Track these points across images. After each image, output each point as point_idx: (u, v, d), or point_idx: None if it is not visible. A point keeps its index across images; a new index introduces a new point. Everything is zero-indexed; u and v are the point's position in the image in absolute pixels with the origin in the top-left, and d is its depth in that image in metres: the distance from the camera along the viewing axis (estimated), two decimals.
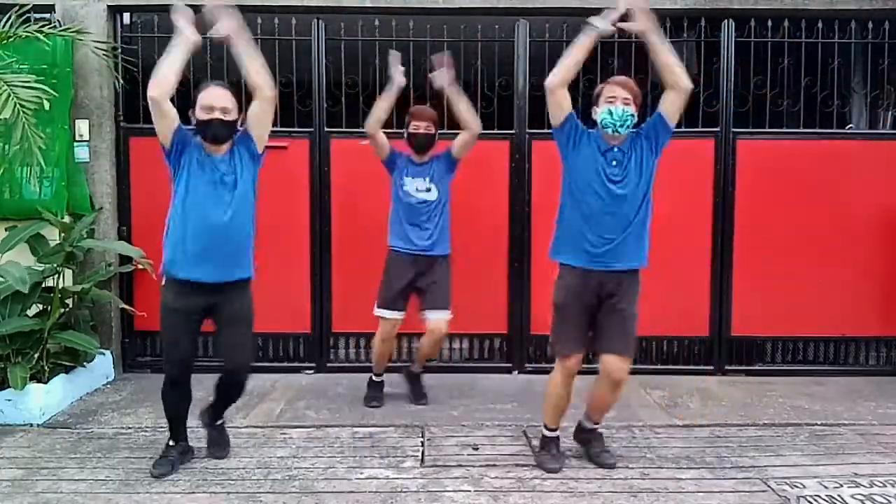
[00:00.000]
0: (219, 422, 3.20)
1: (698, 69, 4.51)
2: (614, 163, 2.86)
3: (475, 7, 4.43)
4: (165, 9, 4.41)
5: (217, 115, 2.76)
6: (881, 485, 2.87)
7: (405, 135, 3.79)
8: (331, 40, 4.51)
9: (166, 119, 2.79)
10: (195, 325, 2.92)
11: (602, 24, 2.87)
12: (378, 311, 3.79)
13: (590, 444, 3.14)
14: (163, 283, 2.92)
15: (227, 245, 2.80)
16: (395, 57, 3.76)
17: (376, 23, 4.44)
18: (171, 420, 3.04)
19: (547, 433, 3.12)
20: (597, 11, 4.46)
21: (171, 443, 3.04)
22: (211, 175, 2.79)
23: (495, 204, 4.53)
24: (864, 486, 2.86)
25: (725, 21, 4.46)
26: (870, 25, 4.45)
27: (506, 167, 4.52)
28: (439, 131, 3.79)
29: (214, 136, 2.79)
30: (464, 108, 3.68)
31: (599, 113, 2.86)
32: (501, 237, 4.55)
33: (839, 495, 2.78)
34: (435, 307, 3.75)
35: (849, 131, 4.68)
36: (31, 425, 3.58)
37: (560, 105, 2.92)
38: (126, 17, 4.54)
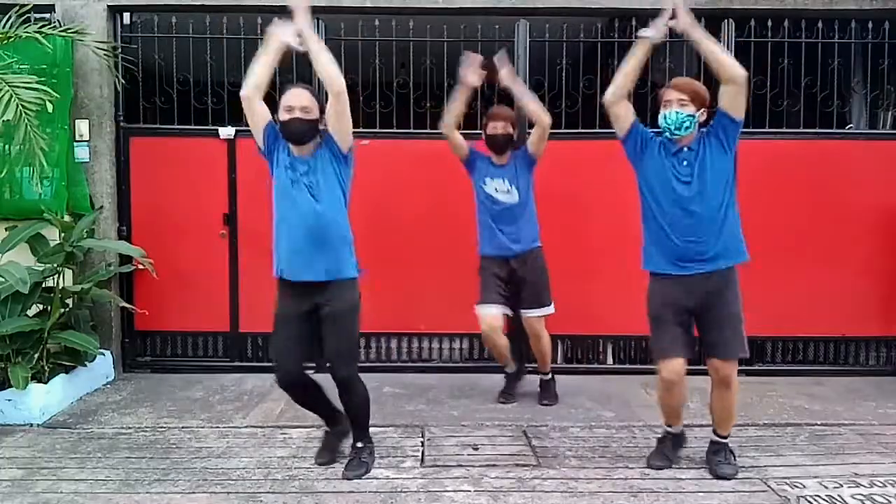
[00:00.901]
0: (358, 444, 3.04)
1: (699, 69, 4.50)
2: (685, 163, 2.85)
3: (475, 7, 4.43)
4: (165, 9, 4.46)
5: (297, 114, 2.76)
6: (881, 485, 2.87)
7: (483, 136, 3.78)
8: (331, 40, 4.49)
9: (256, 118, 2.85)
10: (297, 329, 2.90)
11: (653, 33, 2.89)
12: (477, 309, 3.79)
13: (711, 460, 3.05)
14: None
15: (313, 245, 2.79)
16: (469, 59, 3.69)
17: (376, 23, 4.44)
18: (313, 411, 3.11)
19: (667, 429, 3.13)
20: (596, 12, 4.52)
21: (326, 429, 3.13)
22: (291, 175, 2.81)
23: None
24: (864, 486, 2.86)
25: (725, 21, 4.46)
26: (870, 25, 4.45)
27: None
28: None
29: (294, 135, 2.80)
30: (530, 103, 3.67)
31: (659, 119, 2.87)
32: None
33: (839, 495, 2.78)
34: (527, 306, 3.79)
35: (849, 131, 4.68)
36: (31, 425, 3.58)
37: (619, 118, 2.94)
38: (126, 17, 4.54)
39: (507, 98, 4.06)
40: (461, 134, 3.80)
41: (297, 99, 2.78)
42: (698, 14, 4.39)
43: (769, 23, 4.45)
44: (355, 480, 2.90)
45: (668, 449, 3.09)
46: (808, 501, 2.73)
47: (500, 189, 3.73)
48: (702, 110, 2.85)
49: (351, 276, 2.90)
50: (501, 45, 4.51)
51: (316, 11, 4.42)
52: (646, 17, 4.42)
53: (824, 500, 2.75)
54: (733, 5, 4.43)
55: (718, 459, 3.01)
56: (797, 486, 2.85)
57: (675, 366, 2.90)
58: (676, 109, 2.80)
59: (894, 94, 4.72)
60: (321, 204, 2.81)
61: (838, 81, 4.51)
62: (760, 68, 4.47)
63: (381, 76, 4.50)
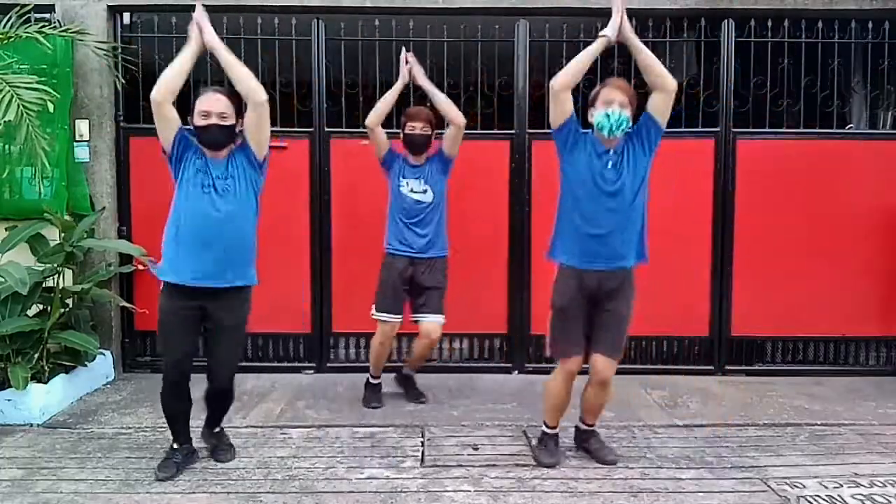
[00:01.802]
0: (216, 429, 3.17)
1: (698, 69, 4.51)
2: (609, 165, 2.87)
3: (475, 7, 4.43)
4: (165, 9, 4.45)
5: (214, 120, 2.75)
6: (881, 485, 2.87)
7: (401, 136, 3.78)
8: (331, 40, 4.51)
9: (167, 122, 2.81)
10: (192, 326, 2.90)
11: (611, 33, 2.90)
12: (376, 315, 3.79)
13: (589, 443, 3.17)
14: (161, 286, 2.91)
15: (218, 250, 2.78)
16: (405, 54, 3.78)
17: (376, 23, 4.44)
18: (172, 422, 3.02)
19: (546, 430, 3.16)
20: (596, 11, 4.51)
21: (174, 445, 3.02)
22: (204, 179, 2.78)
23: (495, 204, 4.53)
24: (864, 486, 2.86)
25: (725, 21, 4.46)
26: (870, 25, 4.45)
27: (506, 167, 4.52)
28: (437, 131, 3.79)
29: (211, 141, 2.79)
30: (442, 101, 3.69)
31: (596, 115, 2.87)
32: (501, 237, 4.55)
33: (839, 495, 2.78)
34: (428, 311, 3.77)
35: (849, 131, 4.67)
36: (31, 425, 3.58)
37: (563, 107, 2.93)
38: (126, 17, 4.54)
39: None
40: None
41: (214, 104, 2.76)
42: (698, 14, 4.46)
43: (769, 23, 4.45)
44: (355, 480, 2.90)
45: (553, 447, 3.13)
46: (808, 501, 2.73)
47: (416, 189, 3.73)
48: (632, 113, 2.88)
49: (250, 284, 2.92)
50: (501, 45, 4.53)
51: (316, 11, 4.46)
52: (646, 17, 4.46)
53: (824, 500, 2.75)
54: (733, 5, 4.43)
55: (597, 447, 3.12)
56: (797, 486, 2.85)
57: (578, 362, 2.97)
58: (619, 110, 2.81)
59: (894, 94, 4.71)
60: (235, 207, 2.80)
61: (838, 81, 4.51)
62: (760, 68, 4.48)
63: (381, 76, 4.49)
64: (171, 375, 2.93)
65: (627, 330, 2.99)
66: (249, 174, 2.86)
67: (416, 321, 3.83)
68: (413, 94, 4.28)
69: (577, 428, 3.23)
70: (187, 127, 2.87)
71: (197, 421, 3.15)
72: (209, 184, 2.78)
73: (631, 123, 2.87)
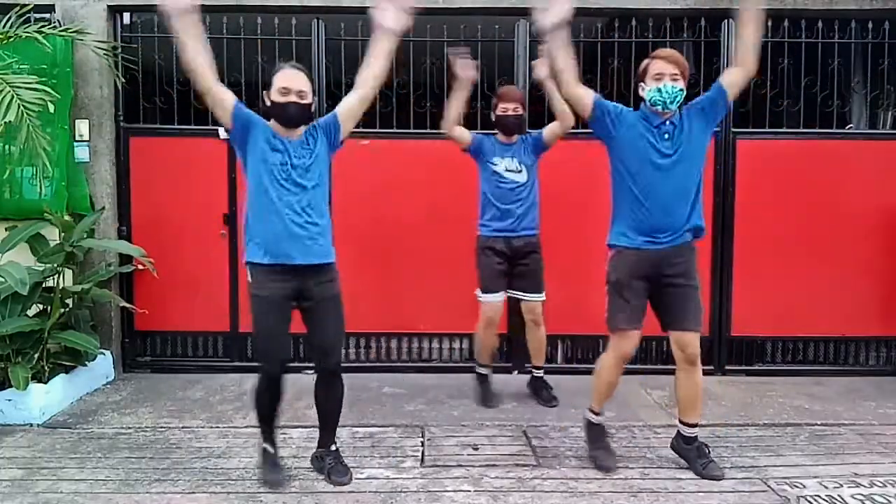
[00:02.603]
0: (333, 446, 2.95)
1: (698, 69, 4.51)
2: (666, 136, 2.82)
3: (475, 7, 4.43)
4: None
5: (293, 97, 2.65)
6: (881, 485, 2.87)
7: (493, 117, 3.79)
8: (331, 40, 4.51)
9: (222, 103, 2.68)
10: (287, 314, 2.77)
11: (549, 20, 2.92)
12: (480, 296, 3.78)
13: (694, 455, 2.99)
14: (248, 277, 2.79)
15: (304, 228, 2.69)
16: (458, 54, 3.70)
17: None
18: (266, 422, 2.89)
19: (593, 418, 3.09)
20: (597, 12, 4.52)
21: (267, 446, 2.89)
22: (284, 158, 2.68)
23: None
24: (864, 486, 2.86)
25: (725, 21, 4.45)
26: (870, 25, 4.45)
27: None
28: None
29: (291, 119, 2.68)
30: (558, 101, 3.63)
31: (647, 90, 2.81)
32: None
33: (839, 495, 2.78)
34: (529, 290, 3.78)
35: (849, 131, 4.67)
36: (31, 425, 3.58)
37: (580, 98, 2.90)
38: (126, 16, 4.54)
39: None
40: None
41: (294, 82, 2.67)
42: (698, 14, 4.46)
43: (769, 23, 4.44)
44: (355, 480, 2.90)
45: (605, 439, 3.09)
46: (808, 501, 2.73)
47: (510, 168, 3.73)
48: (685, 85, 2.82)
49: (334, 261, 2.83)
50: (501, 45, 4.53)
51: (316, 11, 4.46)
52: (646, 17, 4.46)
53: (824, 500, 2.75)
54: (733, 5, 4.39)
55: (703, 461, 2.96)
56: (797, 486, 2.85)
57: (634, 339, 2.91)
58: (671, 83, 2.76)
59: (894, 94, 4.71)
60: (317, 187, 2.75)
61: (838, 81, 4.51)
62: (760, 68, 4.46)
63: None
64: (274, 369, 2.78)
65: (701, 302, 2.90)
66: (325, 154, 2.80)
67: (516, 300, 3.84)
68: (413, 94, 4.27)
69: (678, 432, 3.07)
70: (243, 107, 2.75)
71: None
72: (287, 162, 2.68)
73: (684, 94, 2.80)
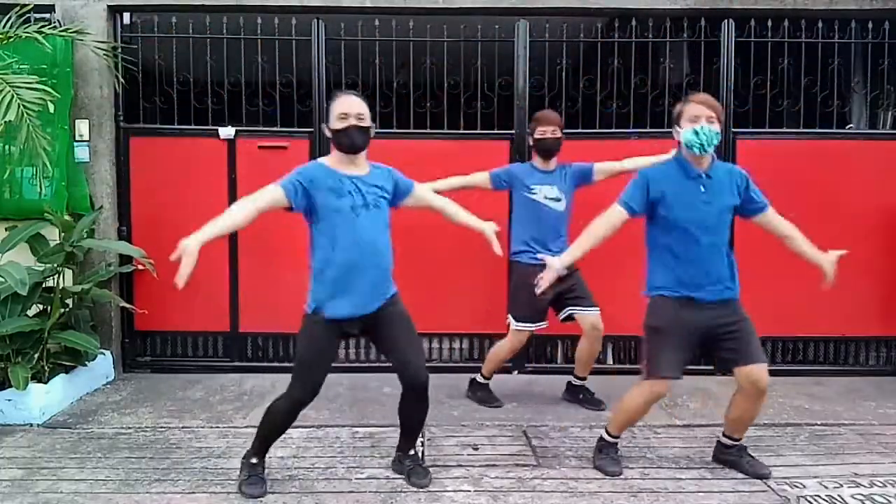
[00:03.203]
0: (412, 451, 2.97)
1: (698, 69, 4.51)
2: (702, 188, 2.83)
3: (475, 7, 4.43)
4: (165, 9, 4.46)
5: (353, 121, 2.66)
6: (881, 485, 2.87)
7: (530, 141, 3.77)
8: (331, 40, 4.51)
9: (273, 202, 2.66)
10: (336, 347, 2.83)
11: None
12: (515, 325, 3.73)
13: (739, 458, 3.04)
14: (310, 311, 2.75)
15: (374, 270, 2.71)
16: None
17: (376, 23, 4.44)
18: (270, 439, 2.87)
19: (609, 439, 3.08)
20: (596, 12, 4.52)
21: (253, 460, 2.85)
22: (352, 200, 2.67)
23: (496, 204, 4.51)
24: (864, 486, 2.86)
25: (725, 21, 4.46)
26: (870, 25, 4.45)
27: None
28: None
29: (352, 142, 2.68)
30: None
31: (683, 133, 2.79)
32: (502, 237, 4.50)
33: (839, 495, 2.78)
34: (584, 305, 3.71)
35: (849, 131, 4.67)
36: (31, 425, 3.58)
37: (619, 226, 2.90)
38: (126, 17, 4.54)
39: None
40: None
41: (353, 107, 2.68)
42: (698, 14, 4.46)
43: (769, 23, 4.46)
44: (355, 480, 2.90)
45: (615, 454, 3.07)
46: (808, 501, 2.73)
47: (549, 196, 3.68)
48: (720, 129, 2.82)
49: (396, 292, 2.86)
50: (501, 45, 4.53)
51: (316, 11, 4.46)
52: (646, 17, 4.46)
53: (824, 500, 2.75)
54: (733, 5, 4.43)
55: (748, 459, 3.02)
56: (797, 486, 2.85)
57: (667, 386, 2.90)
58: (707, 125, 2.75)
59: (894, 94, 4.71)
60: (383, 228, 2.76)
61: (838, 81, 4.51)
62: (760, 68, 4.47)
63: (381, 76, 4.49)
64: (306, 397, 2.78)
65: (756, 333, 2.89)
66: (388, 196, 2.80)
67: (570, 317, 3.75)
68: (412, 93, 4.26)
69: (719, 443, 3.10)
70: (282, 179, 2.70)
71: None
72: (357, 204, 2.67)
73: (720, 138, 2.80)
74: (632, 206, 2.86)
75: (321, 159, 2.80)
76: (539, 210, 3.70)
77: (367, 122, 2.72)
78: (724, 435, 3.07)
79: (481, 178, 3.81)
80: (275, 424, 2.82)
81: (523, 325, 3.73)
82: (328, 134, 2.73)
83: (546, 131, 3.69)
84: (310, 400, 2.78)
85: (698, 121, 2.75)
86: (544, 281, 2.90)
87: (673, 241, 2.86)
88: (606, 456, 3.05)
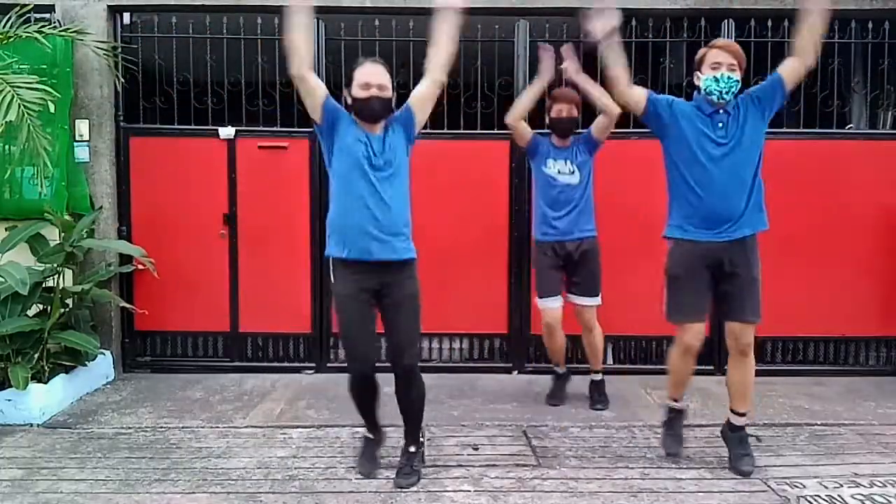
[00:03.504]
0: (412, 448, 2.94)
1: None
2: (720, 125, 2.82)
3: (475, 7, 4.41)
4: (165, 9, 4.46)
5: (374, 91, 2.64)
6: (881, 485, 2.87)
7: (547, 119, 3.77)
8: (331, 40, 4.51)
9: (314, 92, 2.70)
10: (368, 311, 2.79)
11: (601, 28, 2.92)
12: (538, 303, 3.78)
13: (736, 445, 3.02)
14: (330, 275, 2.80)
15: (385, 223, 2.67)
16: (546, 52, 3.70)
17: (376, 23, 4.44)
18: (368, 414, 2.94)
19: (672, 404, 3.10)
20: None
21: (369, 435, 2.98)
22: (366, 152, 2.67)
23: (495, 204, 4.53)
24: (864, 486, 2.86)
25: (725, 21, 4.46)
26: (870, 25, 4.45)
27: (506, 167, 4.52)
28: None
29: (372, 113, 2.68)
30: (601, 96, 3.60)
31: (703, 79, 2.81)
32: (501, 237, 4.55)
33: (839, 495, 2.78)
34: (580, 293, 3.76)
35: (849, 131, 4.67)
36: (31, 425, 3.58)
37: (634, 99, 2.94)
38: (126, 17, 4.54)
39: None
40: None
41: (375, 77, 2.66)
42: (698, 14, 4.46)
43: (769, 23, 4.45)
44: (355, 480, 2.90)
45: (679, 427, 3.08)
46: (808, 501, 2.73)
47: (563, 170, 3.71)
48: (741, 75, 2.82)
49: (414, 258, 2.80)
50: (501, 45, 4.53)
51: (316, 11, 4.44)
52: (646, 17, 4.46)
53: (824, 500, 2.75)
54: (733, 5, 4.43)
55: (739, 452, 2.99)
56: (797, 486, 2.85)
57: (695, 330, 2.92)
58: (728, 73, 2.76)
59: (894, 94, 4.71)
60: (396, 182, 2.71)
61: (838, 81, 4.51)
62: (761, 68, 4.47)
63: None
64: (358, 368, 2.81)
65: (761, 294, 2.89)
66: (404, 147, 2.78)
67: (572, 304, 3.81)
68: None
69: (727, 420, 3.08)
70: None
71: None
72: (370, 157, 2.67)
73: (740, 86, 2.80)
74: (655, 102, 2.90)
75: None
76: (553, 183, 3.73)
77: (389, 93, 2.71)
78: (729, 409, 3.07)
79: (526, 129, 3.78)
80: (354, 400, 2.90)
81: (541, 301, 3.75)
82: (348, 100, 2.71)
83: (562, 110, 3.69)
84: (361, 370, 2.81)
85: (720, 68, 2.78)
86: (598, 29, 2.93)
87: (694, 175, 2.85)
88: (670, 432, 3.10)
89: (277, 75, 4.47)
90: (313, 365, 4.62)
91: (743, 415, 3.03)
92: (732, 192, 2.81)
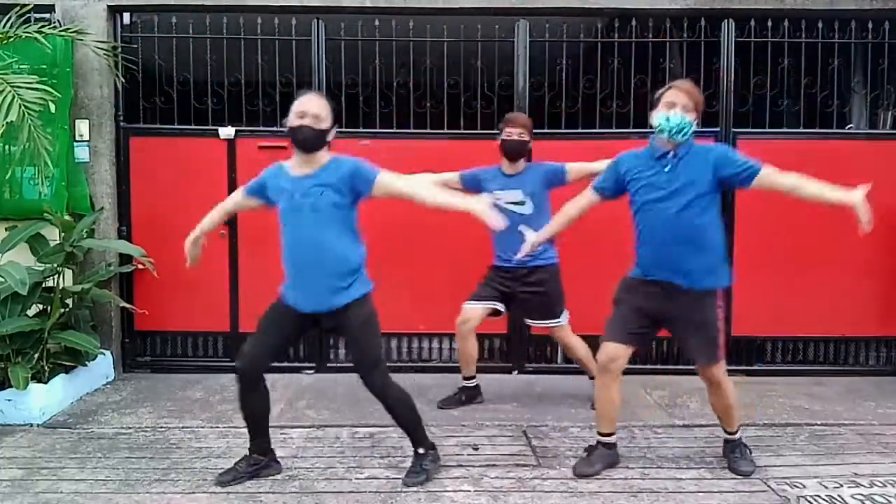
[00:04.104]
0: (420, 450, 2.94)
1: (698, 69, 4.51)
2: (667, 168, 2.81)
3: (475, 7, 4.43)
4: (165, 9, 4.46)
5: (308, 121, 2.69)
6: (881, 485, 2.87)
7: (499, 141, 3.73)
8: (331, 40, 4.51)
9: (244, 204, 3.04)
10: (287, 331, 2.90)
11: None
12: (463, 305, 3.78)
13: (730, 453, 3.08)
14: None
15: (317, 270, 2.74)
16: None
17: (376, 23, 4.44)
18: (245, 422, 2.96)
19: (599, 438, 3.06)
20: (596, 12, 4.52)
21: (248, 451, 2.96)
22: (289, 198, 2.76)
23: None
24: (864, 486, 2.86)
25: (725, 21, 4.46)
26: (870, 25, 4.45)
27: None
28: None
29: (303, 141, 2.72)
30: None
31: (657, 117, 2.80)
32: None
33: (839, 495, 2.78)
34: (538, 318, 3.77)
35: (849, 131, 4.67)
36: (31, 425, 3.58)
37: (588, 207, 3.03)
38: (126, 17, 4.54)
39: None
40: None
41: (311, 107, 2.72)
42: (698, 14, 4.46)
43: (769, 23, 4.45)
44: (355, 480, 2.90)
45: (595, 456, 3.02)
46: (808, 501, 2.73)
47: (511, 200, 3.65)
48: (696, 120, 2.81)
49: (357, 298, 2.80)
50: (501, 45, 4.53)
51: (316, 11, 4.46)
52: (646, 17, 4.46)
53: (824, 500, 2.75)
54: (733, 5, 4.43)
55: (735, 456, 3.03)
56: (797, 486, 2.85)
57: (610, 353, 2.92)
58: (681, 113, 2.75)
59: (894, 94, 4.71)
60: (327, 225, 2.73)
61: (838, 81, 4.51)
62: (760, 68, 4.47)
63: (381, 76, 4.49)
64: (240, 364, 2.90)
65: (717, 332, 2.88)
66: (348, 196, 2.76)
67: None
68: (412, 94, 4.26)
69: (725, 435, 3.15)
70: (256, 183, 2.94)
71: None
72: (297, 201, 2.74)
73: (693, 128, 2.78)
74: (601, 186, 2.97)
75: (285, 160, 2.87)
76: (501, 212, 3.66)
77: (324, 125, 2.73)
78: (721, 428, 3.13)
79: (451, 177, 3.79)
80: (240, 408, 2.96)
81: (466, 303, 3.76)
82: (286, 130, 2.77)
83: (512, 133, 3.64)
84: (244, 368, 2.90)
85: (673, 108, 2.76)
86: (521, 252, 3.15)
87: (641, 222, 2.89)
88: (584, 457, 3.05)
89: (277, 75, 4.48)
90: (313, 365, 4.62)
91: (734, 433, 3.08)
92: (675, 240, 2.79)
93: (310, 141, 2.72)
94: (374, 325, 2.85)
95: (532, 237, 3.11)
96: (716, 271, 2.87)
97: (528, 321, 3.86)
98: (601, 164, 3.59)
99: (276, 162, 2.92)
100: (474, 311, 3.73)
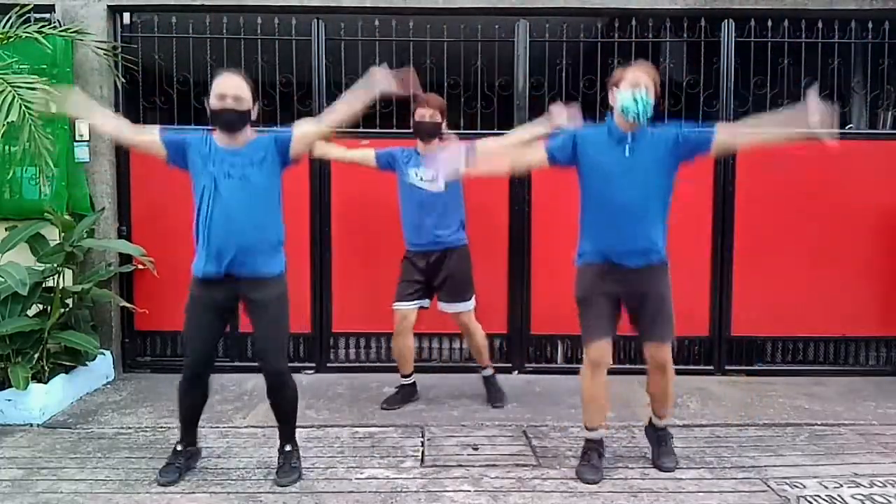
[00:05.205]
0: (287, 447, 2.95)
1: (698, 69, 4.51)
2: (627, 151, 2.77)
3: (475, 7, 4.43)
4: (165, 9, 4.46)
5: (229, 103, 2.67)
6: (881, 485, 2.87)
7: (412, 122, 3.73)
8: (331, 40, 4.51)
9: (151, 144, 2.85)
10: (216, 321, 2.85)
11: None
12: (394, 306, 3.77)
13: (656, 444, 3.09)
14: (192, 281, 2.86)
15: (240, 239, 2.72)
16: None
17: (376, 23, 4.44)
18: (183, 420, 2.94)
19: (586, 434, 3.04)
20: (596, 12, 4.52)
21: (178, 447, 2.94)
22: (218, 168, 2.73)
23: (495, 204, 4.53)
24: (864, 486, 2.86)
25: (725, 21, 4.46)
26: (870, 25, 4.45)
27: None
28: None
29: (226, 124, 2.72)
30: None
31: (620, 97, 2.71)
32: (501, 237, 4.55)
33: (839, 495, 2.78)
34: (449, 300, 3.77)
35: (849, 131, 4.67)
36: (31, 425, 3.58)
37: (536, 165, 2.98)
38: (126, 17, 4.54)
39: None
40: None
41: (231, 88, 2.68)
42: (698, 14, 4.46)
43: (769, 23, 4.45)
44: (355, 480, 2.90)
45: (596, 460, 2.98)
46: (808, 501, 2.73)
47: (425, 178, 3.64)
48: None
49: (278, 272, 2.84)
50: (501, 45, 4.53)
51: (316, 11, 4.46)
52: (646, 17, 4.46)
53: (824, 500, 2.75)
54: (733, 5, 4.43)
55: (663, 448, 3.05)
56: (797, 486, 2.85)
57: (599, 350, 2.89)
58: (644, 94, 2.69)
59: (894, 94, 4.71)
60: (258, 197, 2.75)
61: (838, 81, 4.50)
62: (760, 68, 4.47)
63: None
64: (191, 368, 2.85)
65: (671, 312, 2.90)
66: (274, 167, 2.79)
67: (445, 313, 3.84)
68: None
69: (649, 420, 3.14)
70: (167, 127, 2.90)
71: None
72: (224, 172, 2.73)
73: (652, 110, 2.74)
74: (556, 155, 2.88)
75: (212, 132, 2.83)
76: (414, 192, 3.68)
77: (245, 106, 2.71)
78: (651, 410, 3.11)
79: (366, 154, 3.81)
80: (179, 402, 2.92)
81: (395, 304, 3.76)
82: (208, 111, 2.75)
83: (425, 115, 3.64)
84: (194, 368, 2.84)
85: (639, 87, 2.69)
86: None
87: (597, 205, 2.84)
88: (586, 463, 2.98)
89: (277, 75, 4.48)
90: (313, 365, 4.62)
91: (662, 417, 3.07)
92: (636, 221, 2.78)
93: (233, 124, 2.72)
94: (287, 304, 2.88)
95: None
96: (664, 246, 2.88)
97: (444, 306, 3.80)
98: (506, 139, 3.39)
99: (205, 129, 2.87)
100: (409, 310, 3.75)
